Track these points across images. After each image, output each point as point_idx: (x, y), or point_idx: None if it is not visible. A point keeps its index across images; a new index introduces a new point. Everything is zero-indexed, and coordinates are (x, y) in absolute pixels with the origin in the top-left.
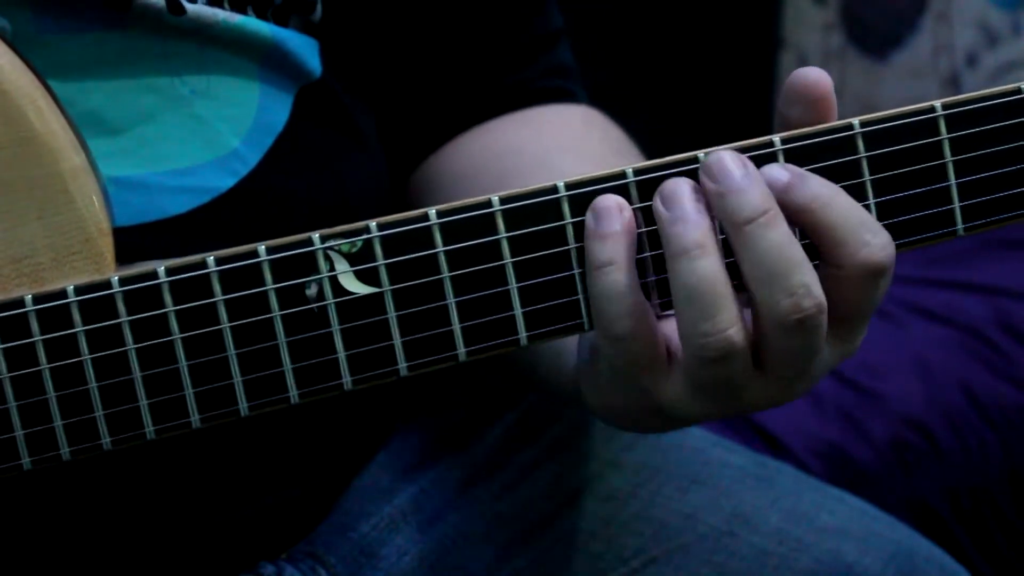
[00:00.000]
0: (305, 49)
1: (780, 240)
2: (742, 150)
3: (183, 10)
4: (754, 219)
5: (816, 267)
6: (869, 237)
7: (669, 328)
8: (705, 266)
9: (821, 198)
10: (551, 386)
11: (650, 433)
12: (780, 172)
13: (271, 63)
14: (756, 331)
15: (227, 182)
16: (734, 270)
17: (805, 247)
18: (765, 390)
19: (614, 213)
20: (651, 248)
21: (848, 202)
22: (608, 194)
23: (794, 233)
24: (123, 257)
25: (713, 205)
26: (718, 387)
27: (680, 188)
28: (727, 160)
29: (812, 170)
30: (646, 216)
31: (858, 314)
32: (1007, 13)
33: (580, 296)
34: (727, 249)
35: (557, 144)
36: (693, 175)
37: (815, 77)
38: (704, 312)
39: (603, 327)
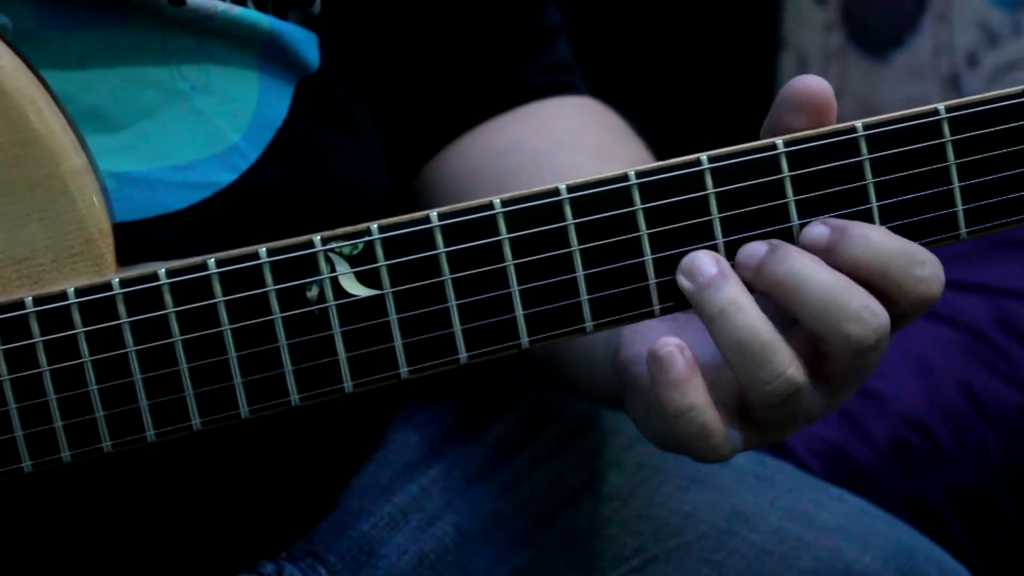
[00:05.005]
0: (304, 42)
1: (827, 280)
2: (744, 152)
3: (183, 1)
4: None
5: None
6: (920, 272)
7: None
8: (744, 319)
9: (869, 252)
10: (582, 390)
11: None
12: (821, 229)
13: (271, 56)
14: (821, 362)
15: (228, 177)
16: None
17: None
18: (823, 407)
19: (677, 358)
20: (652, 251)
21: (891, 243)
22: (664, 339)
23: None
24: (124, 252)
25: (756, 280)
26: (787, 422)
27: (696, 258)
28: (752, 246)
29: (814, 172)
30: (648, 218)
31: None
32: (1007, 13)
33: (582, 299)
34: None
35: (555, 138)
36: (695, 177)
37: (816, 84)
38: (758, 362)
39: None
